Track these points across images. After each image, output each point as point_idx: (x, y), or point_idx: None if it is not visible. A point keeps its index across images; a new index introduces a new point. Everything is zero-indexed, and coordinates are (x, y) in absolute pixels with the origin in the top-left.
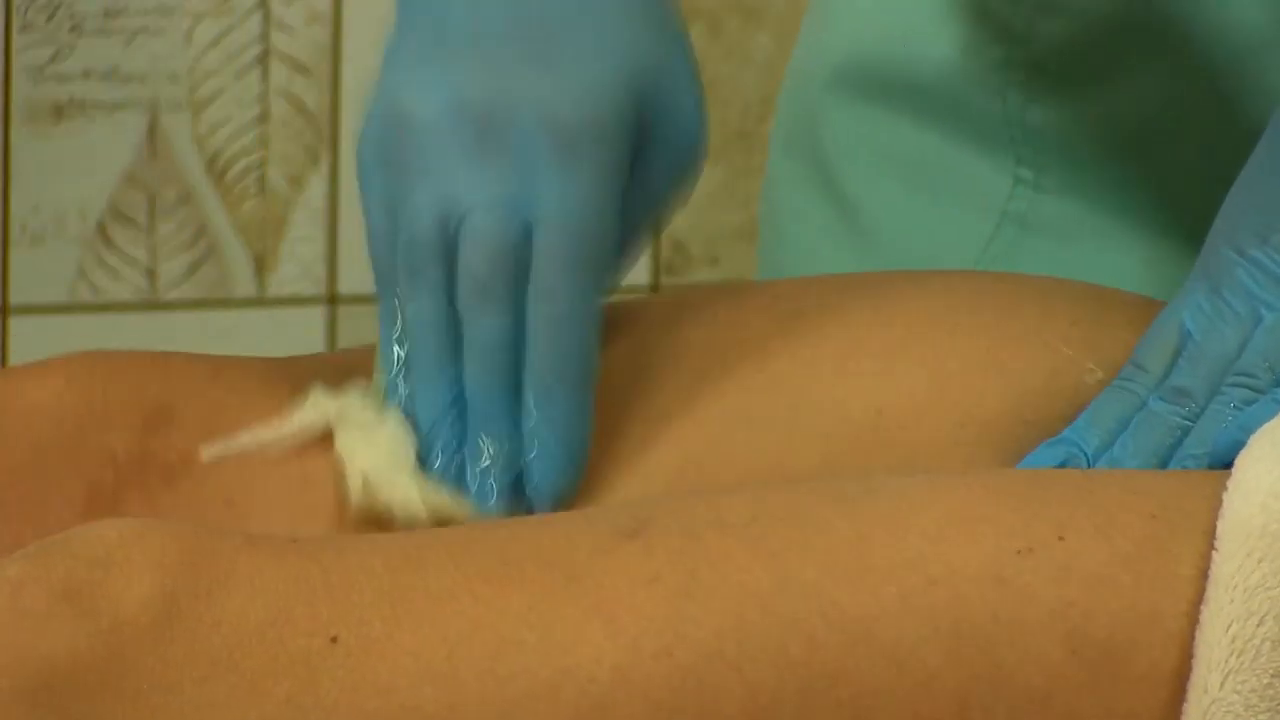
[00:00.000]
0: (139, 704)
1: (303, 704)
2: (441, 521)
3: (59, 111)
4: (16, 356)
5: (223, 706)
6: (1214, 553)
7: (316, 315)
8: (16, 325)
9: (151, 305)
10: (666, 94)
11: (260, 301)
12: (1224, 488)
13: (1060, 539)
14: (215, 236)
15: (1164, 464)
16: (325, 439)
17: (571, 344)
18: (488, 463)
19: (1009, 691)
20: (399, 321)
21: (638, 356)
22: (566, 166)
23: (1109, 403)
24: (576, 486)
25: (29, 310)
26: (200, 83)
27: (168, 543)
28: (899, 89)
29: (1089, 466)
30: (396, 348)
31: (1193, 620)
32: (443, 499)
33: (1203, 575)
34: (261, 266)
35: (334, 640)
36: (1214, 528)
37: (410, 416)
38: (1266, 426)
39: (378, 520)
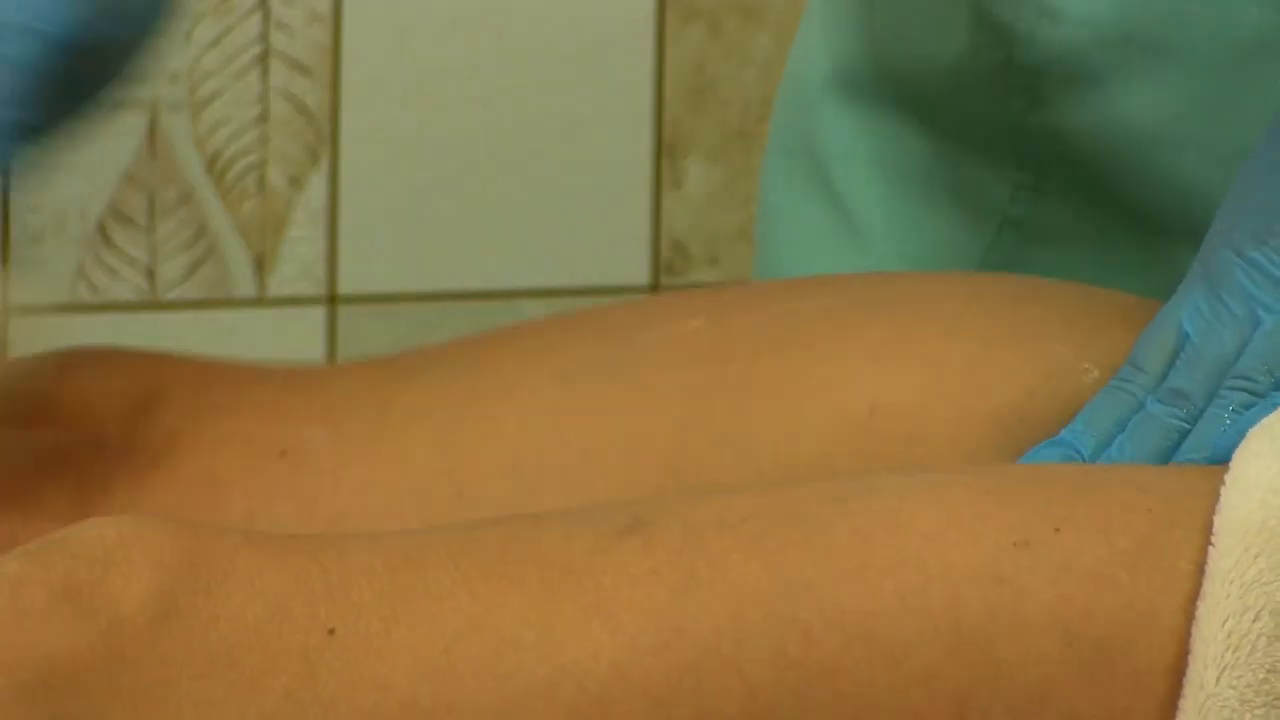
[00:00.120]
0: (138, 702)
1: (301, 699)
2: None
3: None
4: (16, 356)
5: (221, 703)
6: (1211, 548)
7: (316, 315)
8: (16, 325)
9: (151, 305)
10: None
11: (260, 301)
12: (1222, 484)
13: (1058, 536)
14: (215, 236)
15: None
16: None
17: None
18: None
19: (1007, 689)
20: None
21: (634, 353)
22: None
23: (1106, 404)
24: None
25: (29, 310)
26: (200, 83)
27: (167, 541)
28: (898, 93)
29: None
30: None
31: (1189, 616)
32: None
33: (1200, 571)
34: (261, 266)
35: (332, 634)
36: (1211, 523)
37: None
38: (1264, 422)
39: None
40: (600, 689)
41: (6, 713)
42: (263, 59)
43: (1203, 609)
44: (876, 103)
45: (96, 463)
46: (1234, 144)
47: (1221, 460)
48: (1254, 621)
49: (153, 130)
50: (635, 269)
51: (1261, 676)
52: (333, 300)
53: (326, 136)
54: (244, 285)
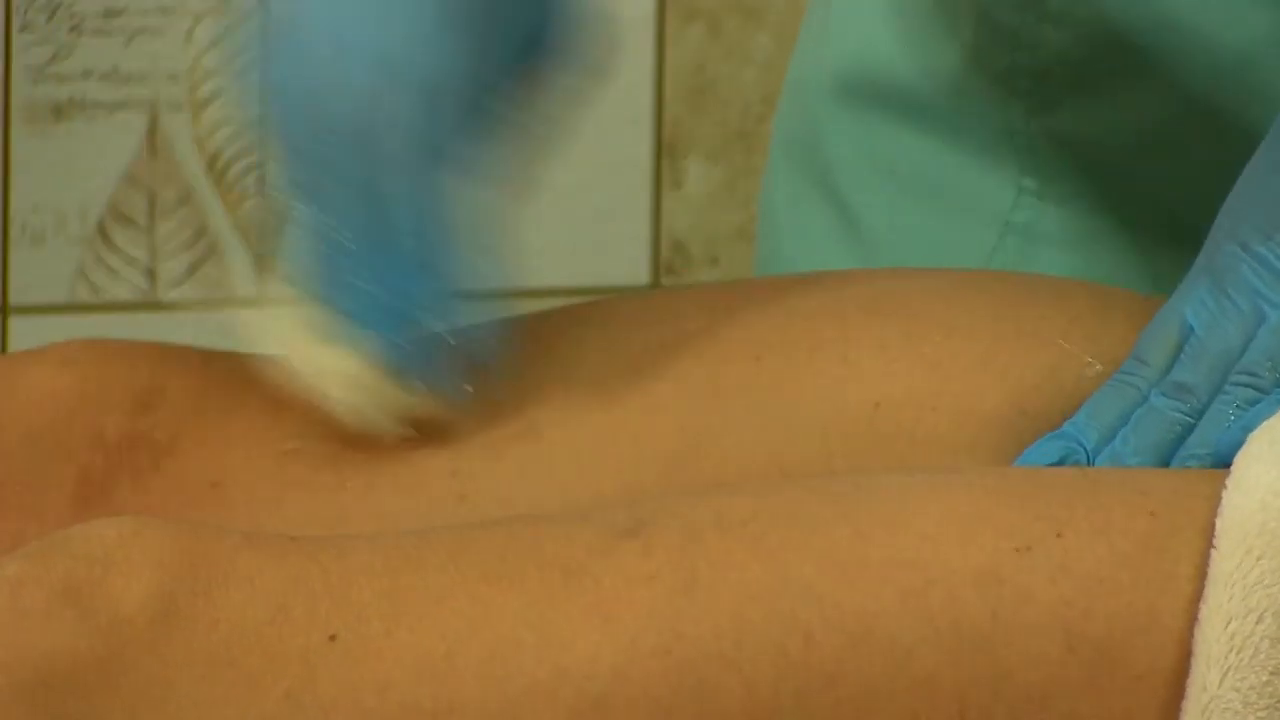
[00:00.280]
0: (137, 702)
1: (301, 701)
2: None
3: (59, 111)
4: None
5: (221, 704)
6: (1213, 550)
7: None
8: (16, 325)
9: (151, 305)
10: None
11: (260, 301)
12: (1223, 486)
13: (1059, 538)
14: (215, 236)
15: (1165, 460)
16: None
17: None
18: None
19: (1008, 691)
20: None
21: (632, 350)
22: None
23: (1109, 397)
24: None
25: (29, 310)
26: (200, 83)
27: (167, 542)
28: (902, 98)
29: (1088, 461)
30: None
31: (1191, 618)
32: (402, 395)
33: (1202, 574)
34: (261, 266)
35: (332, 638)
36: (1213, 526)
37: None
38: (1265, 424)
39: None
40: (600, 690)
41: (6, 713)
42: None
43: (1205, 611)
44: (879, 107)
45: (97, 462)
46: (1237, 147)
47: (1226, 458)
48: (1257, 624)
49: (153, 130)
50: (635, 269)
51: (1265, 679)
52: None
53: None
54: (244, 285)
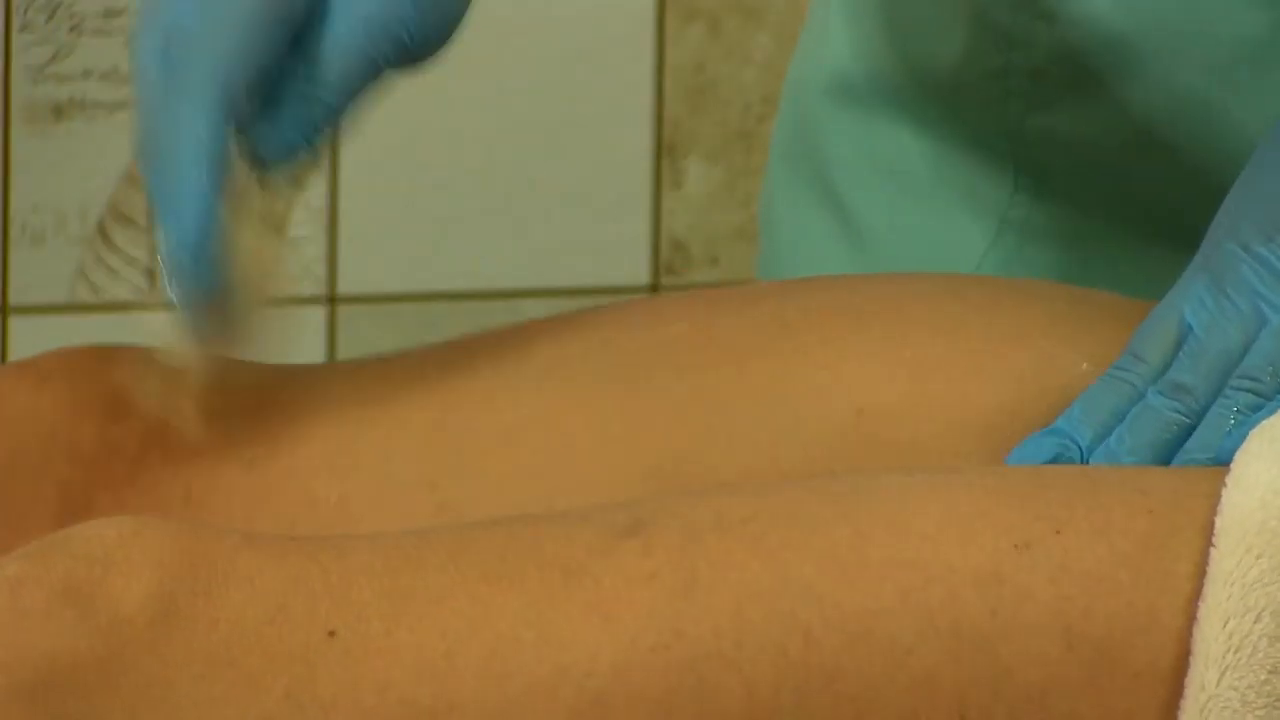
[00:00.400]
0: (137, 702)
1: (301, 700)
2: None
3: (59, 111)
4: (16, 356)
5: (221, 703)
6: (1212, 549)
7: (317, 315)
8: (16, 325)
9: (151, 305)
10: None
11: None
12: (1223, 485)
13: (1058, 536)
14: None
15: (1161, 460)
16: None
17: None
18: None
19: (1007, 689)
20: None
21: (619, 357)
22: None
23: (1104, 393)
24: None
25: (29, 310)
26: None
27: (166, 541)
28: (898, 97)
29: (1082, 458)
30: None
31: (1190, 617)
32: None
33: (1201, 572)
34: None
35: (332, 637)
36: (1212, 525)
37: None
38: (1264, 424)
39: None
40: (600, 689)
41: (6, 713)
42: None
43: (1204, 610)
44: (876, 106)
45: (76, 477)
46: (1231, 145)
47: (1226, 464)
48: (1255, 622)
49: None
50: (635, 269)
51: (1263, 678)
52: (333, 300)
53: None
54: None
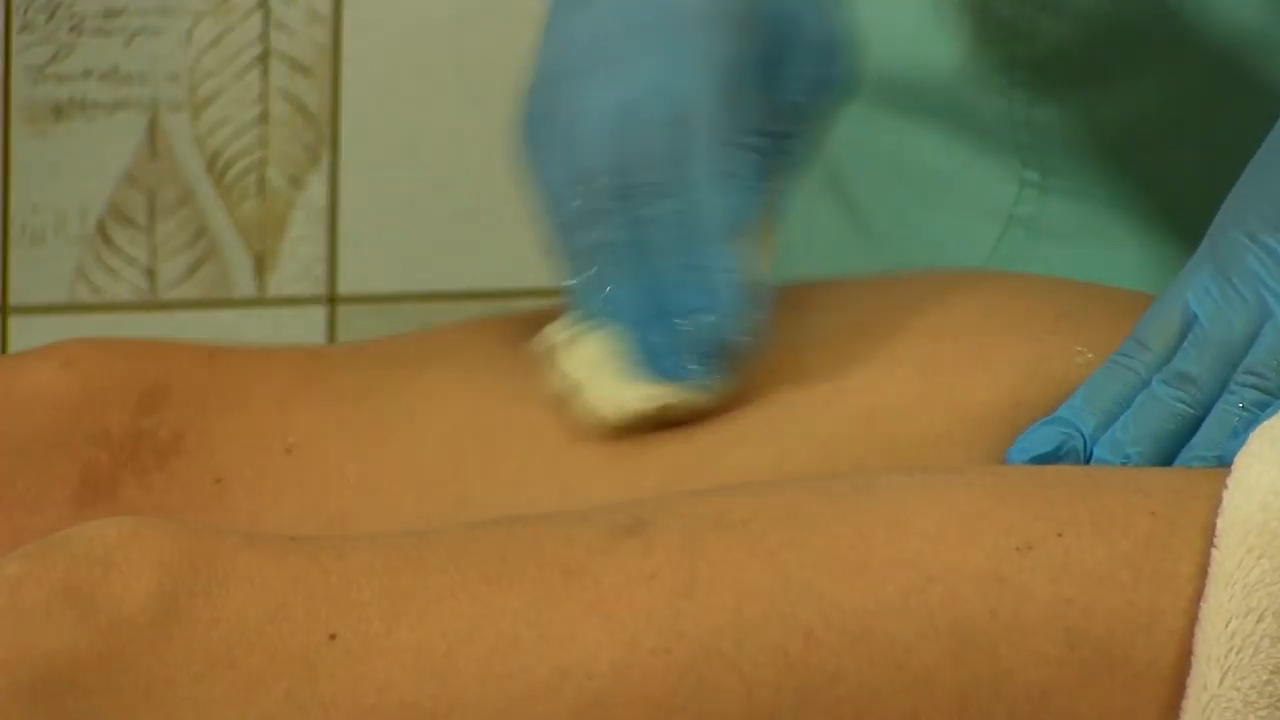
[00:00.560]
0: (138, 702)
1: (301, 701)
2: (661, 411)
3: (59, 111)
4: None
5: (221, 704)
6: (1214, 550)
7: (317, 315)
8: (16, 325)
9: (151, 305)
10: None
11: (260, 301)
12: (1224, 485)
13: (1059, 537)
14: (215, 236)
15: (1165, 449)
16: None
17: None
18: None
19: (1008, 689)
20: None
21: None
22: (670, 50)
23: (1107, 380)
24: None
25: (29, 310)
26: (200, 83)
27: (167, 541)
28: (904, 93)
29: (1086, 446)
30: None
31: (1192, 617)
32: (651, 387)
33: (1202, 573)
34: (261, 266)
35: (333, 637)
36: (1214, 525)
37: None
38: (1265, 425)
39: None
40: (601, 689)
41: (6, 712)
42: (263, 59)
43: (1205, 610)
44: (883, 103)
45: (102, 459)
46: (1235, 136)
47: (1231, 462)
48: (1257, 623)
49: (153, 130)
50: None
51: (1265, 678)
52: (333, 300)
53: (326, 136)
54: (244, 285)
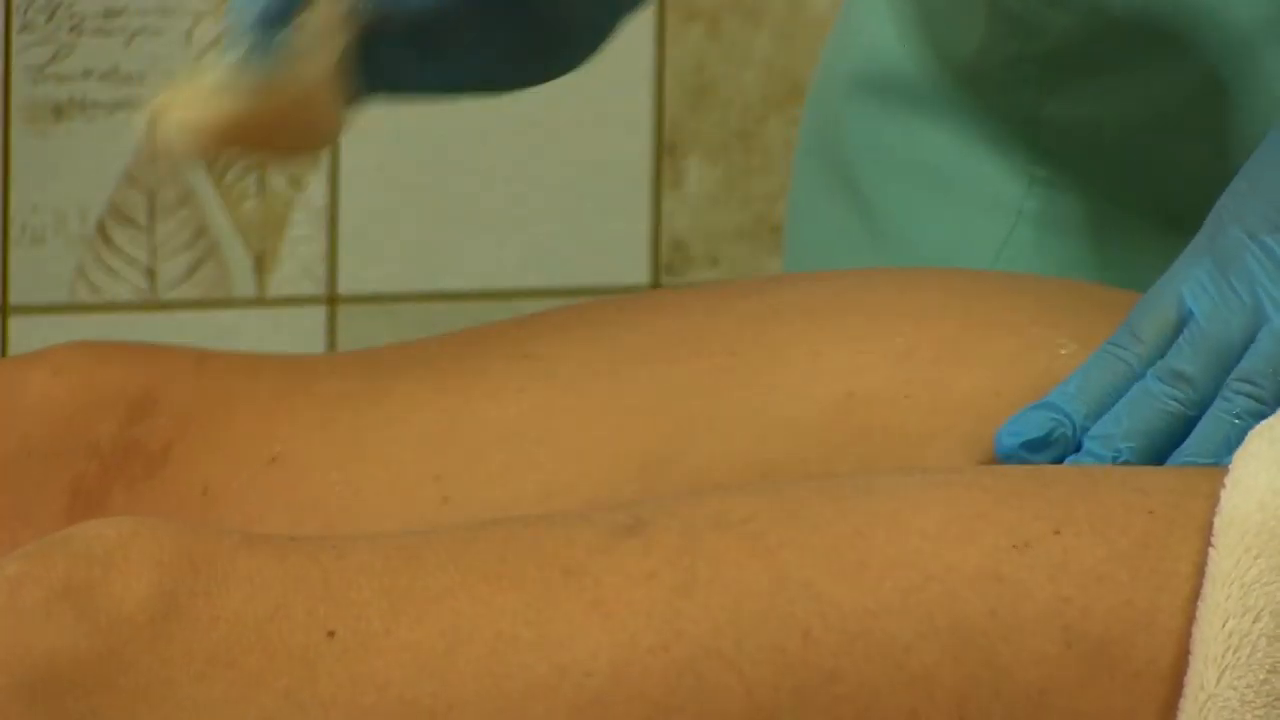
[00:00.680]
0: (137, 702)
1: (301, 699)
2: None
3: (59, 111)
4: None
5: (221, 703)
6: (1211, 549)
7: (317, 315)
8: (16, 325)
9: (151, 305)
10: None
11: (260, 301)
12: (1222, 485)
13: (1057, 536)
14: (215, 236)
15: (1156, 447)
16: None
17: None
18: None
19: (1006, 688)
20: None
21: (618, 349)
22: None
23: (1100, 369)
24: None
25: (29, 310)
26: None
27: (167, 541)
28: (914, 90)
29: (1076, 435)
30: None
31: (1189, 617)
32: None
33: (1200, 572)
34: (261, 266)
35: (332, 636)
36: (1211, 525)
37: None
38: (1263, 425)
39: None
40: (600, 689)
41: (6, 712)
42: None
43: (1203, 609)
44: (893, 100)
45: (92, 470)
46: (1244, 130)
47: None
48: (1255, 622)
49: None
50: (635, 269)
51: (1262, 677)
52: (333, 300)
53: None
54: (244, 285)
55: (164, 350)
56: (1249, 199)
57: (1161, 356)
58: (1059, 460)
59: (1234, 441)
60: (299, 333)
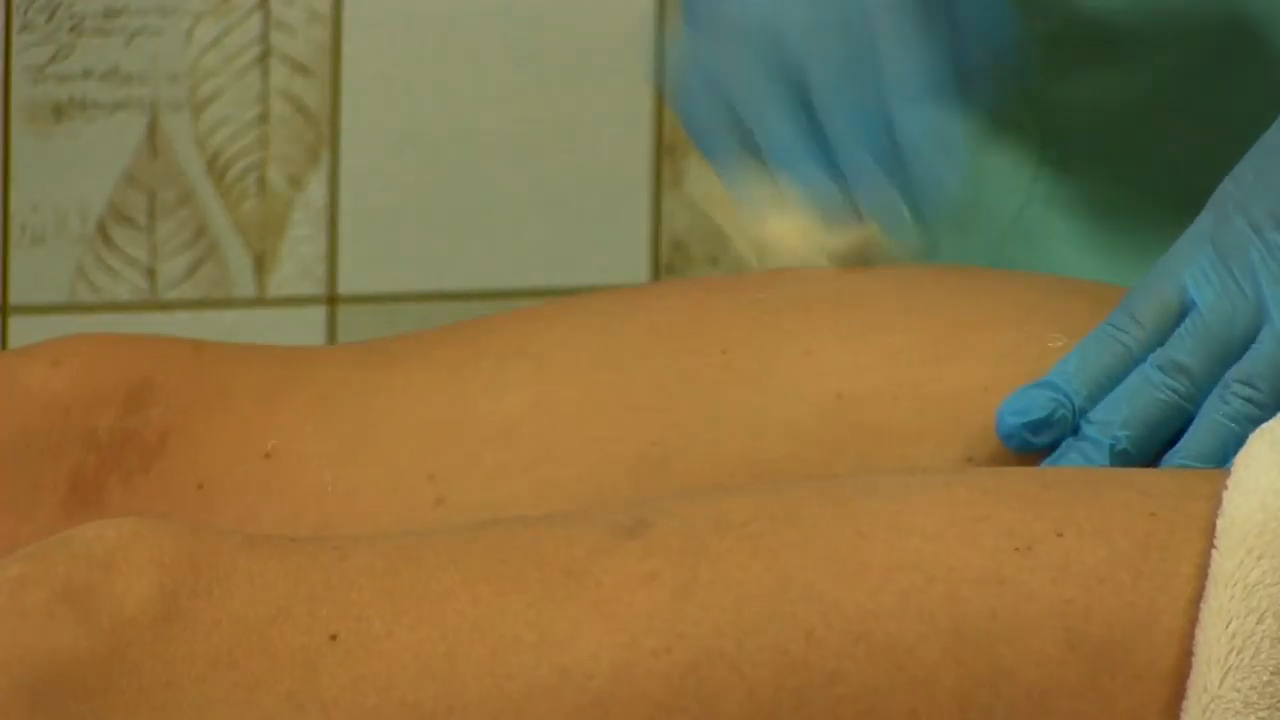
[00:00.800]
0: (139, 703)
1: (302, 701)
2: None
3: (59, 111)
4: None
5: (222, 704)
6: (1214, 550)
7: (317, 315)
8: (16, 325)
9: (151, 305)
10: None
11: (260, 301)
12: (1224, 486)
13: (1059, 537)
14: (215, 236)
15: (1153, 435)
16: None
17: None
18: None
19: (1008, 690)
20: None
21: (613, 344)
22: None
23: (1098, 350)
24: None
25: (29, 310)
26: (200, 83)
27: (168, 542)
28: None
29: (1074, 418)
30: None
31: (1192, 618)
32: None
33: (1203, 573)
34: (261, 266)
35: (333, 638)
36: (1214, 526)
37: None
38: (1265, 427)
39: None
40: (601, 690)
41: (7, 713)
42: (263, 59)
43: (1205, 611)
44: None
45: (90, 462)
46: (1255, 111)
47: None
48: (1258, 623)
49: (153, 130)
50: (635, 269)
51: (1266, 679)
52: (333, 300)
53: (326, 136)
54: (244, 285)
55: (161, 340)
56: (1253, 189)
57: (1160, 342)
58: (1057, 442)
59: (1229, 445)
60: (299, 333)
